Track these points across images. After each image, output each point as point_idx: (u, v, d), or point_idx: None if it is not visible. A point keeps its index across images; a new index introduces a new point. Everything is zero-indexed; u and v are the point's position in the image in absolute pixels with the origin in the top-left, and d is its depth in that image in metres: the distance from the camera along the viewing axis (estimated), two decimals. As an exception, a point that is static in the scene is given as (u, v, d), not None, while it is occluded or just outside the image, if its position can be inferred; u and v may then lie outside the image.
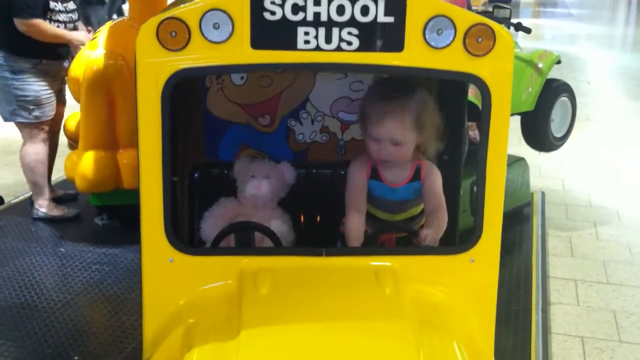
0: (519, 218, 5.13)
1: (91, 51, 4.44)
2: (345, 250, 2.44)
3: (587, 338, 3.77)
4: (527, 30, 5.24)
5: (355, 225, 2.59)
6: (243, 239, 2.50)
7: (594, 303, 4.16)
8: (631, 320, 3.96)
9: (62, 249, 4.57)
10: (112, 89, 4.37)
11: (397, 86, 2.57)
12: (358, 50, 2.08)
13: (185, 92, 2.87)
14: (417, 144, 2.57)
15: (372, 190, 2.68)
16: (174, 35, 2.05)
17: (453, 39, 2.10)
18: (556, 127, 5.29)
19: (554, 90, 5.13)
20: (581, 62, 12.61)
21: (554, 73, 5.21)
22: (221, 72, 2.72)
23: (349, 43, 2.08)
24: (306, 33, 2.06)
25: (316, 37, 2.07)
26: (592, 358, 3.59)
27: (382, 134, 2.51)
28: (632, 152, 7.31)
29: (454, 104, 2.75)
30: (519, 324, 3.81)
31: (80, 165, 4.47)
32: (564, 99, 5.27)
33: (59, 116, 5.06)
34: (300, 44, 2.07)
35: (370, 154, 2.59)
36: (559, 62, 5.25)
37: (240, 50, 2.07)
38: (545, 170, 6.39)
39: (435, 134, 2.60)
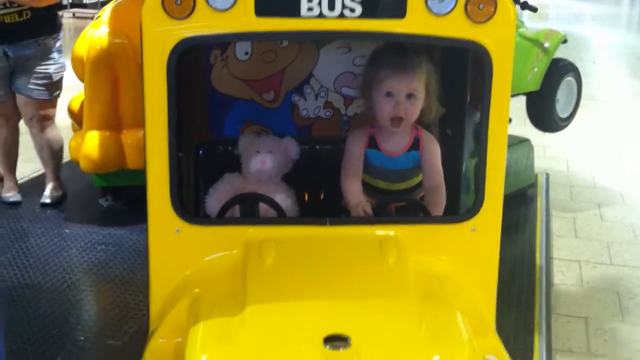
0: (523, 199, 5.11)
1: (95, 30, 4.43)
2: (349, 219, 2.45)
3: (590, 319, 3.76)
4: (534, 9, 5.20)
5: (352, 189, 2.61)
6: (248, 210, 2.51)
7: (598, 284, 4.16)
8: (635, 301, 3.96)
9: (66, 230, 4.57)
10: (116, 68, 4.35)
11: (406, 48, 2.59)
12: (361, 17, 2.10)
13: (190, 69, 2.87)
14: (422, 107, 2.60)
15: (370, 159, 2.69)
16: (179, 3, 2.06)
17: (454, 6, 2.12)
18: (561, 108, 5.27)
19: (560, 70, 5.10)
20: (587, 42, 12.55)
21: (560, 53, 5.18)
22: (226, 40, 2.72)
23: (352, 10, 2.09)
24: (309, 0, 2.07)
25: (319, 4, 2.08)
26: (595, 338, 3.58)
27: (399, 86, 2.53)
28: (637, 132, 7.29)
29: (457, 78, 2.75)
30: (522, 305, 3.80)
31: (84, 146, 4.47)
32: (569, 79, 5.24)
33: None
34: (303, 11, 2.08)
35: (381, 114, 2.58)
36: (565, 41, 5.22)
37: (244, 18, 2.09)
38: (550, 151, 6.37)
39: (437, 100, 2.63)
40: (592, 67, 10.21)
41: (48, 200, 4.95)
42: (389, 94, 2.55)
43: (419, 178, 2.75)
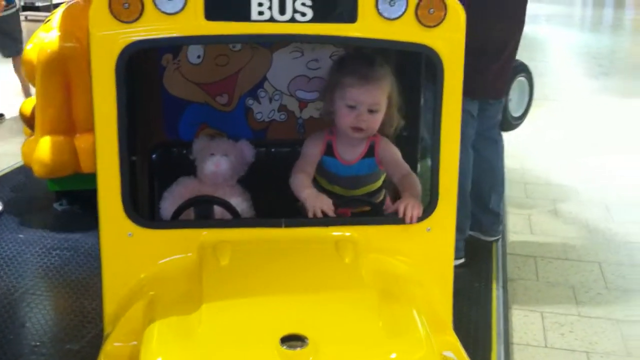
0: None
1: (45, 33, 4.38)
2: (305, 221, 2.44)
3: (546, 312, 3.81)
4: None
5: (301, 182, 2.55)
6: (202, 213, 2.49)
7: (553, 279, 4.21)
8: (590, 295, 4.02)
9: (20, 235, 4.50)
10: (67, 72, 4.31)
11: (371, 58, 2.58)
12: (312, 21, 2.10)
13: (141, 72, 2.85)
14: (383, 119, 2.59)
15: (327, 166, 2.68)
16: (126, 6, 2.03)
17: (405, 10, 2.13)
18: (514, 107, 5.34)
19: (512, 71, 5.17)
20: (541, 42, 12.71)
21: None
22: (175, 43, 2.69)
23: (303, 14, 2.09)
24: (260, 4, 2.07)
25: (270, 8, 2.08)
26: (552, 332, 3.63)
27: (362, 98, 2.51)
28: (590, 130, 7.40)
29: (410, 80, 2.77)
30: (480, 300, 3.85)
31: (37, 150, 4.42)
32: (521, 79, 5.32)
33: None
34: (254, 15, 2.08)
35: (342, 122, 2.57)
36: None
37: (194, 22, 2.07)
38: (504, 149, 6.42)
39: (398, 112, 2.63)
40: (545, 67, 10.34)
41: None
42: (351, 106, 2.53)
43: (377, 184, 2.75)
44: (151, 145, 3.05)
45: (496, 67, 3.96)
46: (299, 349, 1.78)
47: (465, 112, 3.85)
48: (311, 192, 2.48)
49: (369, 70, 2.53)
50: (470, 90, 3.63)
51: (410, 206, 2.36)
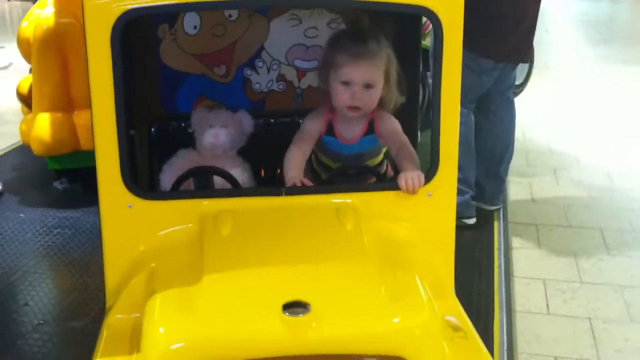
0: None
1: (40, 10, 4.34)
2: (305, 189, 2.42)
3: (549, 280, 3.81)
4: None
5: (294, 160, 2.53)
6: (202, 184, 2.48)
7: (555, 246, 4.21)
8: (591, 262, 4.01)
9: (21, 215, 4.49)
10: (64, 48, 4.29)
11: (366, 34, 2.53)
12: None
13: (138, 43, 2.82)
14: (381, 95, 2.54)
15: (329, 145, 2.66)
16: None
17: None
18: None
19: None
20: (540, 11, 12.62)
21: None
22: (171, 10, 2.64)
23: None
24: None
25: None
26: (554, 299, 3.63)
27: (356, 75, 2.46)
28: (591, 97, 7.37)
29: (408, 49, 2.73)
30: (482, 269, 3.86)
31: (36, 128, 4.40)
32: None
33: None
34: None
35: (338, 101, 2.53)
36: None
37: None
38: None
39: (397, 88, 2.57)
40: (545, 36, 10.28)
41: None
42: (345, 83, 2.49)
43: (379, 158, 2.73)
44: (149, 118, 3.04)
45: (519, 33, 3.97)
46: (301, 315, 1.78)
47: (480, 73, 3.91)
48: (296, 175, 2.45)
49: (361, 47, 2.47)
50: (493, 54, 3.76)
51: (411, 177, 2.33)
